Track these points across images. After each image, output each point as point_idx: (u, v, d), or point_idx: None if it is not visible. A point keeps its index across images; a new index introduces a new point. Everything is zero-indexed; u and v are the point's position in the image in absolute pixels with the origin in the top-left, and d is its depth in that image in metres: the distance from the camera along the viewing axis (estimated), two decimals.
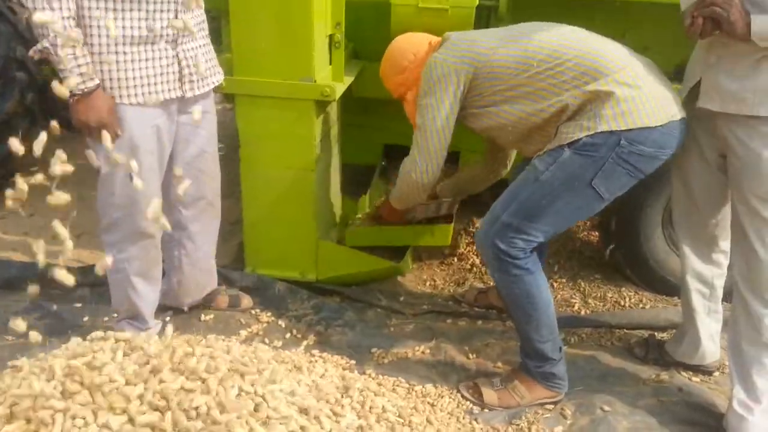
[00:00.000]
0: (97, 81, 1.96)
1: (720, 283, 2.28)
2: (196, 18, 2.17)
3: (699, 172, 2.13)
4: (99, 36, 1.96)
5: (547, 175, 2.00)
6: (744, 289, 2.01)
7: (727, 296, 2.29)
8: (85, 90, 1.94)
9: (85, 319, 2.61)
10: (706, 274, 2.25)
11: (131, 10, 1.97)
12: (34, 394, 1.33)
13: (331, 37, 2.58)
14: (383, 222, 2.80)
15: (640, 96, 1.95)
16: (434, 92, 2.17)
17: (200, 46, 2.20)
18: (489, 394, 2.19)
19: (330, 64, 2.62)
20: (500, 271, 2.08)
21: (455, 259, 3.12)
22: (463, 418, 2.10)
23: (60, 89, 1.52)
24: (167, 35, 2.06)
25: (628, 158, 1.96)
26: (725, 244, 2.21)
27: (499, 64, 2.10)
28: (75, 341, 1.60)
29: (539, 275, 2.10)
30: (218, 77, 2.33)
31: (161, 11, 2.02)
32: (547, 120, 2.06)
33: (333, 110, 2.82)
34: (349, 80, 2.72)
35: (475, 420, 2.09)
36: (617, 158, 1.95)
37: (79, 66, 1.91)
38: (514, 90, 2.09)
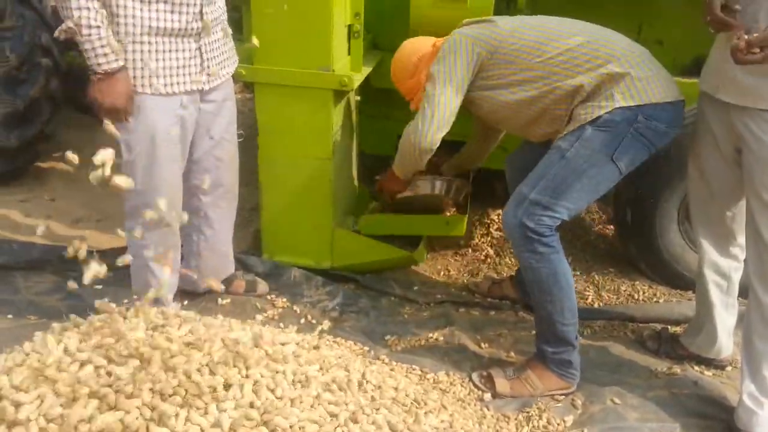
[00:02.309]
0: (121, 62, 1.99)
1: (737, 277, 2.28)
2: (217, 11, 2.20)
3: (715, 166, 2.13)
4: (125, 25, 2.00)
5: (572, 152, 2.06)
6: (756, 284, 2.01)
7: (744, 292, 2.30)
8: (108, 70, 1.97)
9: (106, 300, 2.66)
10: (723, 267, 2.25)
11: (158, 1, 2.00)
12: None
13: (350, 27, 2.61)
14: (386, 191, 2.81)
15: (651, 76, 2.07)
16: (447, 61, 2.22)
17: (219, 39, 2.24)
18: (501, 384, 2.21)
19: (349, 54, 2.65)
20: (527, 251, 2.10)
21: (469, 250, 3.14)
22: (474, 405, 2.12)
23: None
24: (192, 28, 2.09)
25: (645, 133, 2.05)
26: (742, 238, 2.21)
27: (514, 48, 2.17)
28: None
29: (563, 256, 2.14)
30: (233, 66, 2.37)
31: (187, 4, 2.05)
32: (558, 101, 2.13)
33: (351, 100, 2.84)
34: (367, 70, 2.74)
35: (486, 407, 2.12)
36: (636, 133, 2.04)
37: (102, 46, 1.95)
38: (526, 73, 2.16)
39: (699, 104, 2.15)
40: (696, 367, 2.39)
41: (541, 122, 2.21)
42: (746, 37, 1.78)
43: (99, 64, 1.96)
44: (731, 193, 2.15)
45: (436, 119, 2.25)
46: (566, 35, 2.14)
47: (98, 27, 1.92)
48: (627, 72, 2.04)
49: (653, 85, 2.06)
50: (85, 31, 1.91)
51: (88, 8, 1.91)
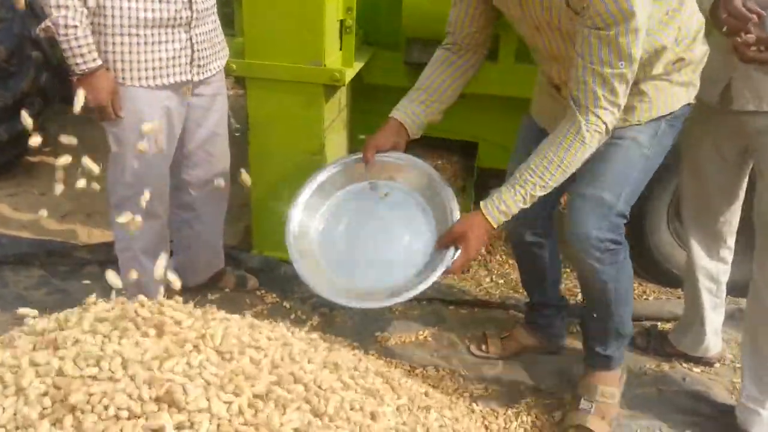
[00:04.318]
0: (99, 62, 1.98)
1: (725, 279, 2.28)
2: (208, 1, 2.19)
3: (714, 169, 2.10)
4: (113, 17, 1.98)
5: (652, 151, 1.85)
6: (764, 289, 1.97)
7: (731, 290, 2.31)
8: (86, 70, 1.96)
9: (93, 295, 2.65)
10: (712, 270, 2.26)
11: None
12: None
13: (342, 22, 2.60)
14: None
15: (708, 53, 1.87)
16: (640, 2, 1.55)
17: (210, 30, 2.22)
18: (596, 425, 2.00)
19: (340, 49, 2.64)
20: (610, 264, 1.87)
21: None
22: (463, 400, 2.12)
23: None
24: (181, 18, 2.08)
25: (684, 121, 1.91)
26: (731, 240, 2.22)
27: None
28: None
29: None
30: (224, 60, 2.36)
31: None
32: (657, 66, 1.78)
33: (342, 95, 2.83)
34: (359, 66, 2.73)
35: (475, 402, 2.12)
36: (681, 126, 1.90)
37: (80, 46, 1.94)
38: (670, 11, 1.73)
39: (694, 111, 1.97)
40: (684, 365, 2.40)
41: None
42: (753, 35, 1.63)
43: (77, 65, 1.95)
44: (728, 197, 2.14)
45: (626, 90, 1.67)
46: None
47: (75, 27, 1.91)
48: (704, 56, 1.84)
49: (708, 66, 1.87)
50: (62, 31, 1.90)
51: (67, 7, 1.89)
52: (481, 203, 1.76)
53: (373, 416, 1.40)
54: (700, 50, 1.84)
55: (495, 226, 1.75)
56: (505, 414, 2.09)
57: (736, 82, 1.90)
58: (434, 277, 1.76)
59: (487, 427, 2.01)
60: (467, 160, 3.25)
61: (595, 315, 2.02)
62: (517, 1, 1.74)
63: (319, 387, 1.38)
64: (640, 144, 1.83)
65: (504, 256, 3.08)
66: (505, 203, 1.73)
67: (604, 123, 1.66)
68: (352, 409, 1.38)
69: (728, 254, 2.25)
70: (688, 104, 1.89)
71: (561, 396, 2.19)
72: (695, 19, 1.79)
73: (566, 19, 1.64)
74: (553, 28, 1.71)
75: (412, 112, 1.98)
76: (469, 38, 1.97)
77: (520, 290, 2.84)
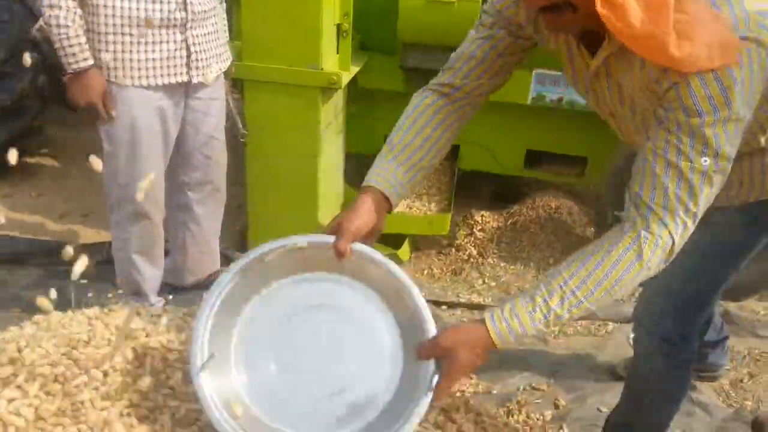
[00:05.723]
0: (90, 61, 2.01)
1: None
2: (207, 4, 2.20)
3: None
4: (106, 16, 2.01)
5: (754, 238, 1.50)
6: None
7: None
8: (77, 69, 1.99)
9: (90, 295, 2.66)
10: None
11: None
12: None
13: (338, 26, 2.63)
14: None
15: None
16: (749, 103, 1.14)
17: (210, 33, 2.23)
18: None
19: (337, 53, 2.67)
20: (663, 356, 1.62)
21: (453, 250, 3.18)
22: (454, 399, 2.14)
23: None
24: (175, 19, 2.10)
25: None
26: None
27: None
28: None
29: None
30: (225, 63, 2.37)
31: None
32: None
33: (339, 99, 2.87)
34: (355, 70, 2.77)
35: (466, 400, 2.14)
36: None
37: (71, 46, 1.97)
38: None
39: None
40: None
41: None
42: None
43: (69, 64, 1.99)
44: None
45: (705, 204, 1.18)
46: None
47: (67, 26, 1.95)
48: None
49: None
50: (54, 31, 1.95)
51: (60, 7, 1.94)
52: (486, 314, 1.24)
53: None
54: None
55: (499, 347, 1.23)
56: (496, 412, 2.11)
57: None
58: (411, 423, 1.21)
59: (478, 424, 2.03)
60: (451, 162, 3.29)
61: (623, 401, 1.82)
62: (584, 87, 1.36)
63: None
64: (734, 232, 1.49)
65: (496, 259, 3.12)
66: (519, 319, 1.20)
67: (672, 238, 1.16)
68: None
69: None
70: None
71: (553, 395, 2.22)
72: None
73: (643, 100, 1.24)
74: (627, 116, 1.33)
75: (396, 180, 1.37)
76: (479, 87, 1.41)
77: (512, 292, 2.89)
